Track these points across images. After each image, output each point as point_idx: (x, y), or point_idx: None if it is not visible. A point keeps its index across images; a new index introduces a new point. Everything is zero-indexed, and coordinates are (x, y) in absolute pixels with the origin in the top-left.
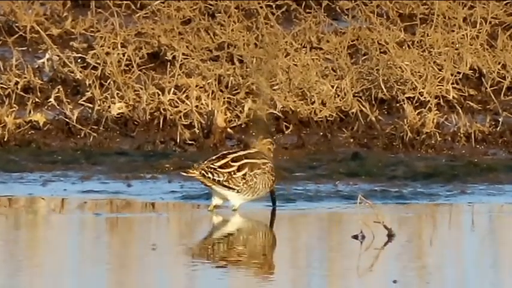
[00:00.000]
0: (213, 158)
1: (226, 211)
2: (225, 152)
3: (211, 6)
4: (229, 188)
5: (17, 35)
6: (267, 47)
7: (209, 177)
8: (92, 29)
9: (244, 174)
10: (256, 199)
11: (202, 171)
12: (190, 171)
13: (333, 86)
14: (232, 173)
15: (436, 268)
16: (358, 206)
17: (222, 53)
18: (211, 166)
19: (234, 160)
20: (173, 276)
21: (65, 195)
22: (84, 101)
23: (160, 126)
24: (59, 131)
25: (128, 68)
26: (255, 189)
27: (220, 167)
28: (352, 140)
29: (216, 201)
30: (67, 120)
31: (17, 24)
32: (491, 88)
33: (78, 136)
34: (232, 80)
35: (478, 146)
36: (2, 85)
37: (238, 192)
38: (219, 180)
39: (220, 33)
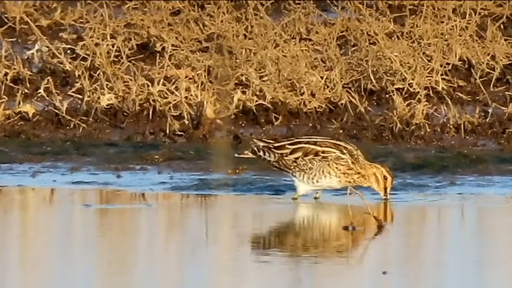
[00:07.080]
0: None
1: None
2: (299, 137)
3: None
4: (281, 169)
5: (6, 26)
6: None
7: (260, 156)
8: (81, 20)
9: (297, 158)
10: (319, 188)
11: (255, 149)
12: (245, 151)
13: (322, 77)
14: (284, 155)
15: (425, 259)
16: (348, 197)
17: (212, 44)
18: (267, 146)
19: (291, 143)
20: (162, 268)
21: (55, 186)
22: (73, 92)
23: (150, 117)
24: (49, 122)
25: (117, 59)
26: (310, 175)
27: (276, 147)
28: (341, 131)
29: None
30: (56, 111)
31: (6, 15)
32: (481, 79)
33: (68, 127)
34: (221, 71)
35: (467, 137)
36: None
37: (293, 175)
38: (269, 161)
39: (210, 24)
